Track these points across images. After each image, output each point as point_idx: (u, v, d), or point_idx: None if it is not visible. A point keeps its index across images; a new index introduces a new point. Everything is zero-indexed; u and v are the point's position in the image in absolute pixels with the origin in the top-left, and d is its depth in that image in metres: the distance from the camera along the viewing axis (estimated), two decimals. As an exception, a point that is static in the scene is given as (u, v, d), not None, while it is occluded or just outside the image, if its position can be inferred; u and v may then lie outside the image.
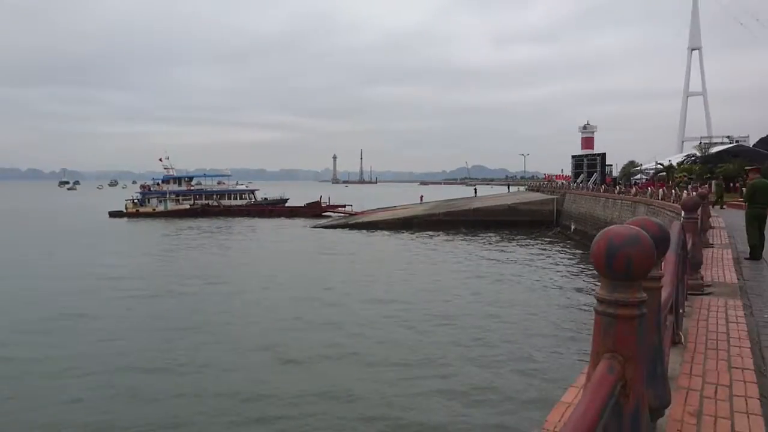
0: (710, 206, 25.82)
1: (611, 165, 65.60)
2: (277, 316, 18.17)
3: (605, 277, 1.83)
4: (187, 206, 64.63)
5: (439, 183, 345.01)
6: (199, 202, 65.69)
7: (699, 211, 8.23)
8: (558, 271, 26.61)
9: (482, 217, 47.32)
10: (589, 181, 55.17)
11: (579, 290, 21.74)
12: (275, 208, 66.08)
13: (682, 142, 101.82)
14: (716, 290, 7.08)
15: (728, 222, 17.46)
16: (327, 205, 63.87)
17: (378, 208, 60.14)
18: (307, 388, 11.98)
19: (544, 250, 34.52)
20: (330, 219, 56.19)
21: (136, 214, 62.14)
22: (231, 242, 40.39)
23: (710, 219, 15.38)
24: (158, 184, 68.34)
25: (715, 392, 3.58)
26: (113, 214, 61.91)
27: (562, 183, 64.00)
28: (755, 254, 10.49)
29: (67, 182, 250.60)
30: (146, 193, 67.26)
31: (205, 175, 73.57)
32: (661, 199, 28.45)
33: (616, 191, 40.28)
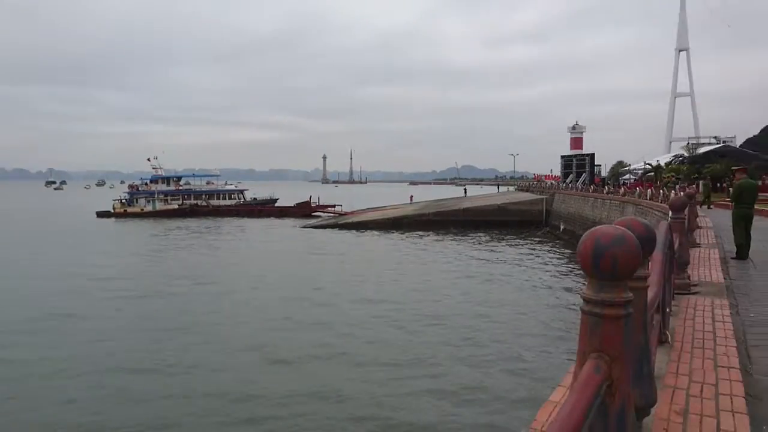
0: (698, 206, 26.09)
1: (600, 165, 66.11)
2: (266, 316, 18.11)
3: (592, 277, 1.84)
4: (176, 206, 64.28)
5: (429, 183, 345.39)
6: (187, 202, 65.33)
7: (686, 211, 8.30)
8: (547, 271, 26.73)
9: (472, 217, 47.45)
10: (578, 181, 55.49)
11: (568, 290, 21.85)
12: (265, 208, 65.87)
13: (670, 142, 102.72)
14: (703, 290, 7.13)
15: (715, 222, 17.60)
16: (317, 205, 63.77)
17: (368, 208, 60.12)
18: (297, 388, 11.95)
19: (534, 250, 34.65)
20: (320, 219, 56.10)
21: (124, 214, 61.73)
22: (220, 242, 40.20)
23: (697, 219, 15.50)
24: (146, 184, 67.92)
25: (701, 391, 3.61)
26: (101, 215, 61.47)
27: (552, 183, 64.34)
28: (742, 254, 10.59)
29: (54, 182, 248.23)
30: (134, 193, 66.83)
31: (193, 175, 73.13)
32: (650, 199, 28.66)
33: (604, 191, 40.54)
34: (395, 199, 77.99)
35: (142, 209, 63.44)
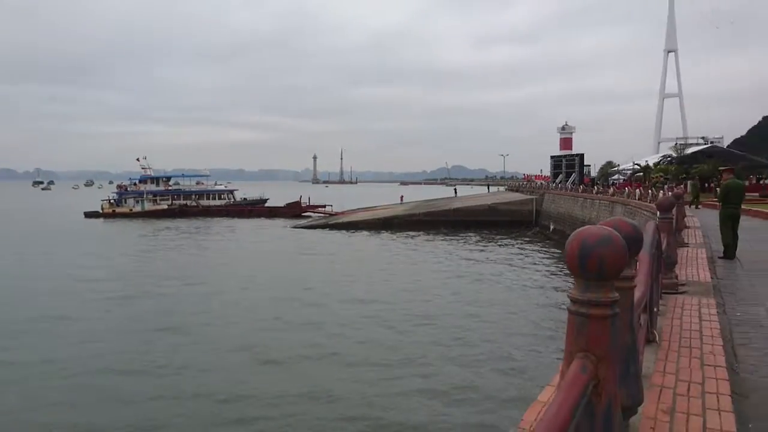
0: (687, 206, 26.29)
1: (589, 165, 66.51)
2: (256, 316, 18.06)
3: (578, 277, 1.85)
4: (165, 207, 63.91)
5: (420, 183, 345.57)
6: (177, 202, 64.96)
7: (674, 211, 8.36)
8: (537, 271, 26.83)
9: (462, 217, 47.54)
10: (567, 181, 55.77)
11: (557, 289, 21.94)
12: (255, 209, 65.64)
13: (659, 142, 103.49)
14: (690, 289, 7.19)
15: (703, 222, 17.76)
16: (307, 206, 63.63)
17: (358, 209, 60.07)
18: (287, 388, 11.93)
19: (524, 249, 34.77)
20: (310, 219, 56.01)
21: (113, 215, 61.31)
22: (210, 243, 40.03)
23: (685, 219, 15.63)
24: (135, 184, 67.49)
25: (688, 390, 3.64)
26: (89, 215, 61.01)
27: (541, 183, 64.61)
28: (729, 253, 10.68)
29: (42, 182, 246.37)
30: (123, 193, 66.38)
31: (183, 175, 72.74)
32: (638, 200, 28.84)
33: (594, 191, 40.75)
34: (386, 199, 77.99)
35: (131, 209, 63.03)
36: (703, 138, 76.82)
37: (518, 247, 35.72)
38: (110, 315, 18.52)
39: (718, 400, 3.46)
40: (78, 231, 47.39)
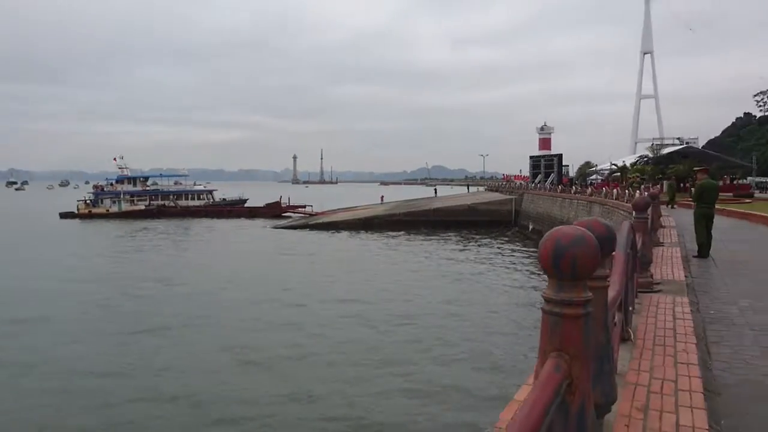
0: (665, 206, 26.69)
1: (568, 165, 67.12)
2: (236, 317, 17.94)
3: (552, 277, 1.87)
4: (143, 207, 63.14)
5: (400, 183, 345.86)
6: (155, 202, 64.21)
7: (649, 211, 8.47)
8: (517, 270, 27.03)
9: (442, 217, 47.71)
10: (546, 181, 56.24)
11: (537, 289, 22.12)
12: (234, 209, 65.19)
13: (636, 143, 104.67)
14: (665, 288, 7.29)
15: (678, 221, 18.03)
16: (287, 206, 63.34)
17: (338, 209, 59.97)
18: (267, 389, 11.88)
19: (503, 249, 35.02)
20: (290, 219, 55.77)
21: (89, 215, 60.39)
22: (189, 243, 39.66)
23: (661, 218, 15.86)
24: (112, 184, 66.58)
25: (662, 387, 3.69)
26: (64, 216, 60.01)
27: (521, 183, 65.08)
28: (703, 252, 10.87)
29: (15, 182, 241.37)
30: (99, 193, 65.42)
31: (161, 175, 71.88)
32: (615, 199, 29.18)
33: (572, 191, 41.15)
34: (366, 199, 77.94)
35: (108, 210, 62.15)
36: (678, 139, 77.97)
37: (498, 247, 35.95)
38: (87, 317, 18.25)
39: (690, 398, 3.52)
40: (53, 232, 46.61)
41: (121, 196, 63.67)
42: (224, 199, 69.81)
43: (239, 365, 13.56)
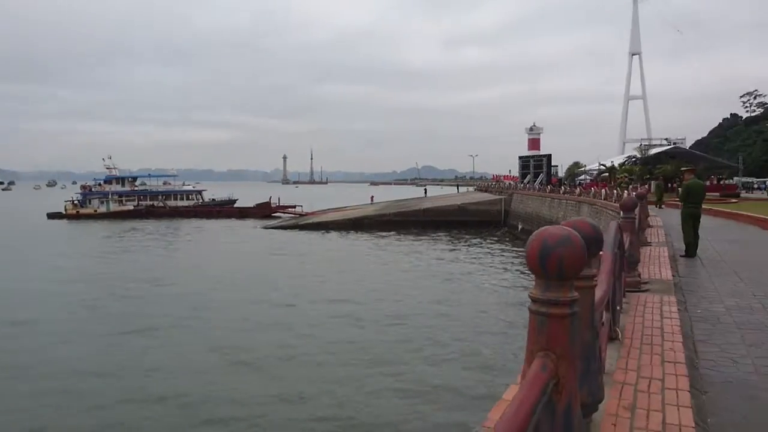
0: (654, 205, 26.87)
1: (557, 166, 67.32)
2: (225, 317, 17.88)
3: (539, 277, 1.88)
4: (131, 207, 62.78)
5: (390, 183, 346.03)
6: (143, 203, 63.88)
7: (637, 211, 8.53)
8: (506, 270, 27.12)
9: (432, 217, 47.77)
10: (535, 181, 56.45)
11: (526, 288, 22.18)
12: (224, 209, 64.97)
13: (624, 143, 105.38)
14: (653, 287, 7.34)
15: (666, 221, 18.16)
16: (277, 206, 63.19)
17: (328, 209, 59.91)
18: (257, 389, 11.85)
19: (493, 249, 35.12)
20: (280, 220, 55.64)
21: (77, 216, 59.91)
22: (178, 244, 39.47)
23: (648, 218, 15.97)
24: (100, 184, 66.10)
25: (649, 386, 3.72)
26: (52, 216, 59.54)
27: (510, 183, 65.24)
28: (690, 252, 10.96)
29: (2, 183, 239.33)
30: (87, 193, 64.92)
31: (149, 175, 71.51)
32: (604, 200, 29.35)
33: (561, 191, 41.35)
34: (356, 199, 77.92)
35: (96, 210, 61.70)
36: (666, 139, 78.53)
37: (487, 247, 36.06)
38: (75, 318, 18.11)
39: (677, 396, 3.55)
40: (40, 233, 46.21)
41: (110, 196, 63.25)
42: (214, 200, 69.55)
43: (228, 366, 13.52)
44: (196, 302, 20.15)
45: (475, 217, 47.63)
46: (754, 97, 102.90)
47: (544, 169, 59.19)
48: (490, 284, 23.40)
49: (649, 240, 12.53)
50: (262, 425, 10.32)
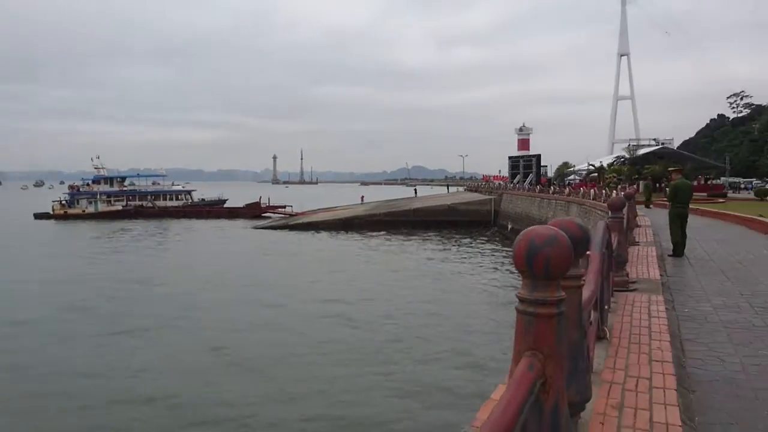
0: (643, 206, 27.05)
1: (546, 166, 67.62)
2: (215, 317, 17.80)
3: (526, 277, 1.88)
4: (120, 207, 62.37)
5: (380, 183, 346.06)
6: (132, 203, 63.48)
7: (625, 211, 8.58)
8: (496, 269, 27.20)
9: (422, 217, 47.82)
10: (525, 181, 56.65)
11: (516, 288, 22.18)
12: (213, 209, 64.69)
13: (613, 144, 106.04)
14: (641, 286, 7.39)
15: (654, 221, 18.27)
16: (267, 206, 62.99)
17: (319, 209, 59.82)
18: (247, 389, 11.81)
19: (483, 249, 35.21)
20: (270, 220, 55.49)
21: (64, 216, 59.42)
22: (167, 244, 39.25)
23: (637, 218, 16.07)
24: (88, 184, 65.58)
25: (636, 385, 3.74)
26: (39, 216, 59.02)
27: (500, 183, 65.43)
28: (678, 251, 11.04)
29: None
30: (75, 194, 64.41)
31: (138, 175, 71.01)
32: (593, 200, 29.49)
33: (550, 191, 41.52)
34: (346, 199, 77.84)
35: (84, 210, 61.23)
36: (654, 140, 79.08)
37: (477, 247, 36.15)
38: (63, 318, 17.94)
39: (664, 395, 3.57)
40: (27, 233, 45.76)
41: (98, 196, 62.78)
42: (203, 200, 69.23)
43: (218, 366, 13.46)
44: (186, 303, 20.04)
45: (465, 217, 47.74)
46: (741, 98, 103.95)
47: (534, 169, 59.43)
48: (480, 284, 23.45)
49: (637, 240, 12.61)
50: (252, 425, 10.28)
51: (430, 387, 11.85)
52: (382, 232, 43.29)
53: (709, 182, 52.14)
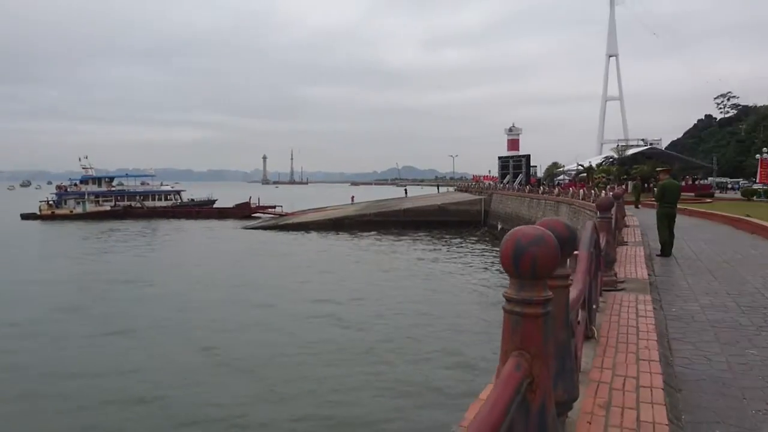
0: (633, 206, 27.20)
1: (536, 166, 67.89)
2: (205, 318, 17.73)
3: (513, 277, 1.88)
4: (108, 208, 61.92)
5: (370, 183, 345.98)
6: (121, 203, 63.05)
7: (613, 210, 8.62)
8: (486, 269, 27.27)
9: (413, 217, 47.86)
10: (514, 181, 56.85)
11: (505, 288, 22.27)
12: (203, 210, 64.39)
13: (602, 144, 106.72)
14: (629, 286, 7.43)
15: (642, 221, 18.39)
16: (257, 206, 62.79)
17: (309, 209, 59.72)
18: (237, 390, 11.78)
19: (473, 249, 35.30)
20: (260, 220, 55.32)
21: (52, 217, 58.90)
22: (157, 244, 39.02)
23: (625, 218, 16.16)
24: (76, 184, 65.04)
25: (624, 384, 3.76)
26: (26, 217, 58.47)
27: (490, 184, 65.61)
28: (665, 251, 11.12)
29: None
30: (63, 194, 63.82)
31: (127, 175, 70.58)
32: (582, 200, 29.65)
33: (540, 191, 41.70)
34: (337, 199, 77.78)
35: (72, 211, 60.71)
36: (643, 140, 79.58)
37: (467, 247, 36.23)
38: (53, 319, 17.80)
39: (651, 394, 3.59)
40: (14, 234, 45.33)
41: (86, 196, 62.27)
42: (193, 200, 68.88)
43: (209, 366, 13.42)
44: (176, 303, 19.94)
45: (455, 217, 47.84)
46: (728, 99, 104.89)
47: (523, 170, 59.65)
48: (470, 284, 23.51)
49: (625, 239, 12.68)
50: (243, 425, 10.26)
51: (420, 387, 11.86)
52: (373, 233, 43.28)
53: (696, 182, 52.55)
